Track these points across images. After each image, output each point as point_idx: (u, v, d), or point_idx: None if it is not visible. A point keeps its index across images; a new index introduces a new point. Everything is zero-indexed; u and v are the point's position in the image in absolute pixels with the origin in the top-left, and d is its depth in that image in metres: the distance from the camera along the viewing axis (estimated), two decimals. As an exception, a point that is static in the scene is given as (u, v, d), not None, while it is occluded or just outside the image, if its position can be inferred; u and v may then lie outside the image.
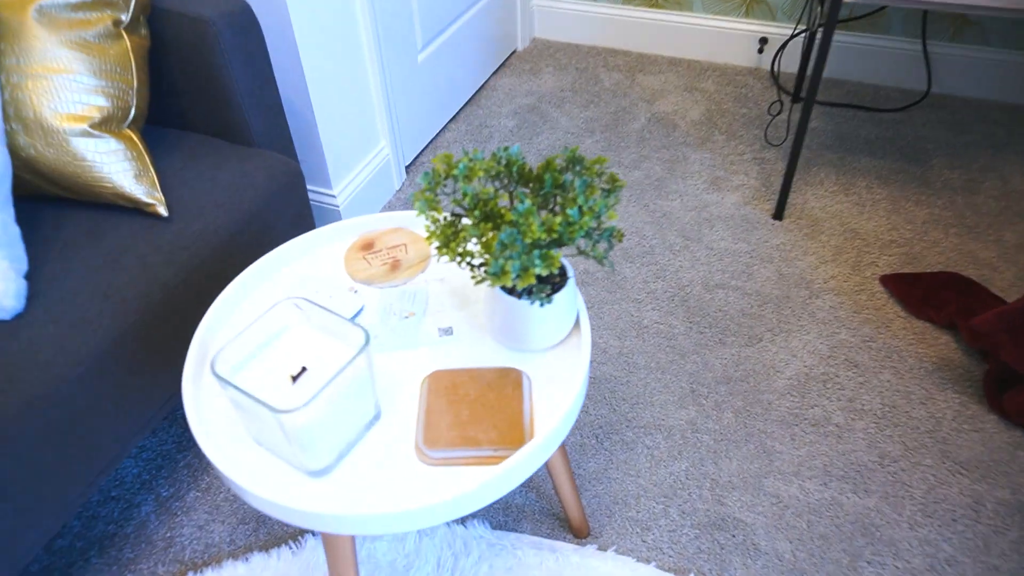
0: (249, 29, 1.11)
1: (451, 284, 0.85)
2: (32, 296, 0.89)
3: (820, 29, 1.98)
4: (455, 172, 0.66)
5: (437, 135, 1.94)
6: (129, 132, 1.01)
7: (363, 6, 1.46)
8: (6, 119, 0.92)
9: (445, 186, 0.65)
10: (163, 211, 1.01)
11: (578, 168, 0.69)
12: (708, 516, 1.09)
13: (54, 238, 0.97)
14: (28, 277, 0.91)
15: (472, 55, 2.02)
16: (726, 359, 1.31)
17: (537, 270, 0.61)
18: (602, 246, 0.67)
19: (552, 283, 0.73)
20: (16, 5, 0.91)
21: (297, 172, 1.19)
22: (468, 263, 0.65)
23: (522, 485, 1.14)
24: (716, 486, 1.12)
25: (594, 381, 1.28)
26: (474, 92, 2.10)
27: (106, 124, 0.97)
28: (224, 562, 1.04)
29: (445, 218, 0.66)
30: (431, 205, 0.65)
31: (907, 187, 1.68)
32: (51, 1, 0.93)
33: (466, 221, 0.67)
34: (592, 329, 1.38)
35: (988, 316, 1.16)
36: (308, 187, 1.53)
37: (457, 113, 2.03)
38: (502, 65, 2.24)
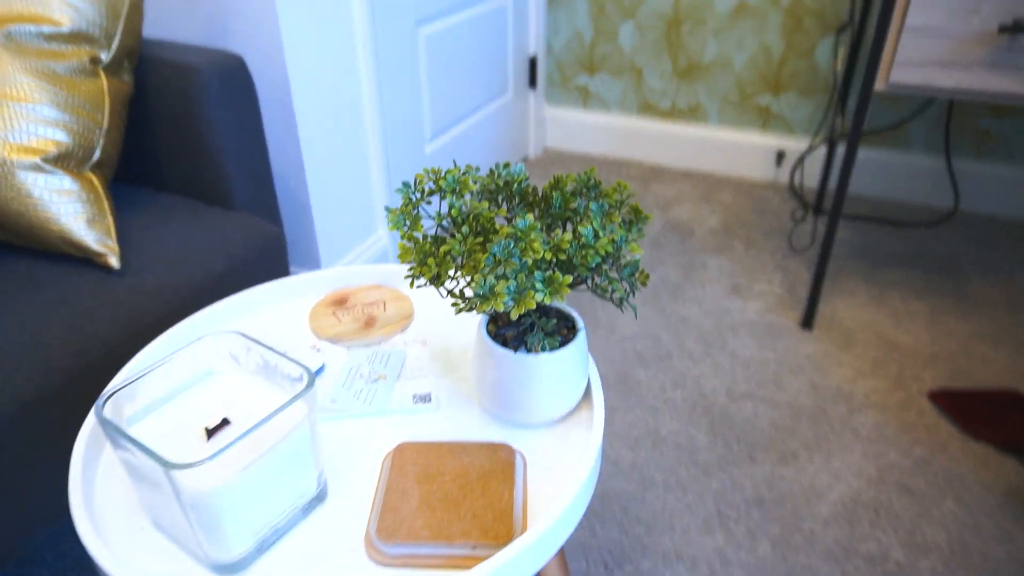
0: (240, 82, 1.04)
1: (435, 347, 0.70)
2: (-66, 344, 0.74)
3: (840, 142, 1.93)
4: (442, 183, 0.53)
5: (441, 231, 1.85)
6: (90, 175, 0.91)
7: (370, 83, 1.40)
8: (-52, 146, 0.81)
9: (429, 203, 0.52)
10: (114, 262, 0.88)
11: (594, 193, 0.56)
12: (745, 673, 0.86)
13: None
14: (-66, 321, 0.77)
15: (481, 154, 1.97)
16: (757, 478, 1.12)
17: (539, 296, 0.46)
18: (623, 281, 0.53)
19: (559, 335, 0.58)
20: (-18, 28, 0.84)
21: (278, 239, 1.07)
22: (449, 291, 0.51)
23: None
24: (753, 633, 0.90)
25: (603, 497, 1.09)
26: (482, 193, 2.03)
27: (63, 161, 0.87)
28: None
29: (425, 236, 0.52)
30: (408, 219, 0.51)
31: (944, 301, 1.54)
32: (23, 28, 0.85)
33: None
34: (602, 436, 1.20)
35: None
36: (294, 268, 1.41)
37: (463, 212, 1.95)
38: (512, 170, 2.19)
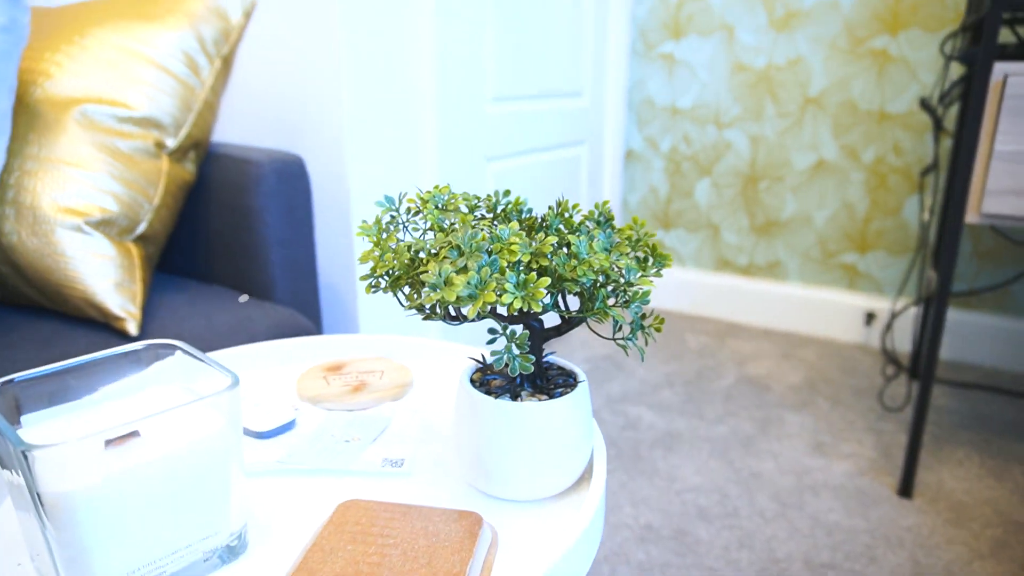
0: (295, 179, 1.06)
1: (427, 417, 0.60)
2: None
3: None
4: (429, 198, 0.47)
5: (498, 369, 1.78)
6: (130, 245, 0.91)
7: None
8: (3, 202, 0.84)
9: (414, 224, 0.46)
10: (132, 328, 0.85)
11: (607, 225, 0.49)
12: None
13: (-2, 338, 0.83)
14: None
15: (548, 297, 1.93)
16: (844, 668, 0.89)
17: (509, 295, 0.37)
18: (629, 317, 0.43)
19: (548, 388, 0.48)
20: (60, 104, 0.90)
21: (310, 332, 1.03)
22: (406, 295, 0.42)
23: None
24: None
25: (643, 668, 0.89)
26: (546, 336, 1.97)
27: (106, 227, 0.88)
28: None
29: (392, 239, 0.45)
30: (380, 228, 0.45)
31: (1082, 481, 1.29)
32: (99, 109, 0.91)
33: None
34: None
35: None
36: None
37: (524, 352, 1.88)
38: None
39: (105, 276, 0.86)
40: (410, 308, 0.42)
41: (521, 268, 0.39)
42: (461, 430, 0.48)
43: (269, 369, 0.70)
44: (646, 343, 0.46)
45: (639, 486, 1.27)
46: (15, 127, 0.89)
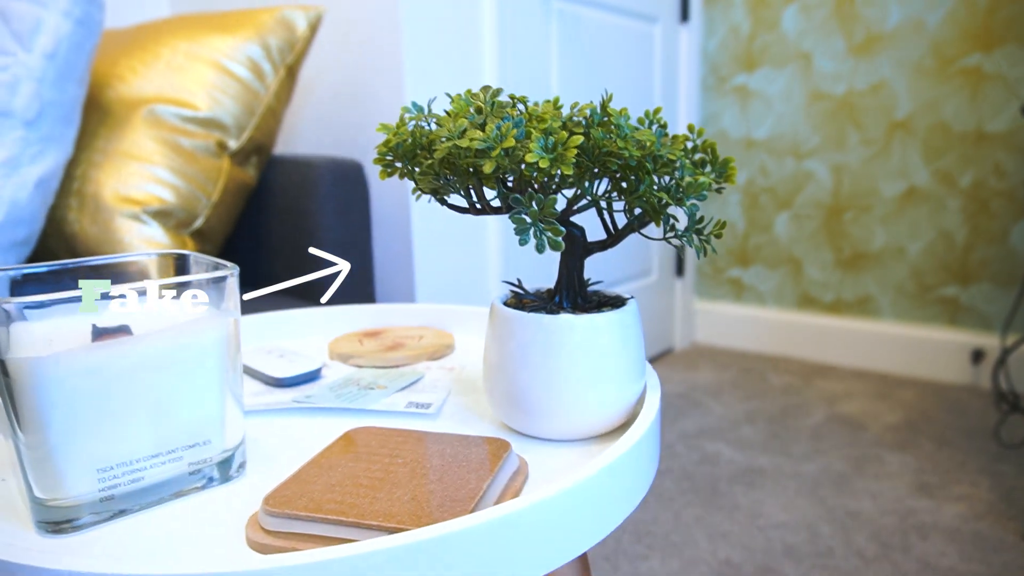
0: (354, 183, 1.05)
1: (463, 375, 0.54)
2: None
3: (1056, 336, 1.58)
4: (467, 106, 0.42)
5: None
6: (186, 238, 0.92)
7: (496, 234, 1.39)
8: (68, 193, 0.86)
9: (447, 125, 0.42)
10: (180, 315, 0.84)
11: (659, 127, 0.43)
12: None
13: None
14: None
15: (618, 332, 1.85)
16: None
17: (535, 154, 0.32)
18: (686, 209, 0.37)
19: (591, 309, 0.41)
20: (130, 103, 0.93)
21: (362, 334, 1.00)
22: (418, 172, 0.37)
23: None
24: None
25: None
26: (617, 374, 1.87)
27: (163, 218, 0.88)
28: None
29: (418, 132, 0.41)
30: (400, 129, 0.41)
31: None
32: (166, 109, 0.94)
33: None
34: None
35: None
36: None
37: (593, 389, 1.79)
38: (654, 360, 2.03)
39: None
40: (422, 188, 0.37)
41: (550, 131, 0.34)
42: (490, 358, 0.42)
43: (306, 335, 0.67)
44: (704, 253, 0.40)
45: (717, 521, 1.15)
46: (86, 124, 0.92)
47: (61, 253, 0.88)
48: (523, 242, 0.33)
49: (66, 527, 0.33)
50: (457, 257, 1.32)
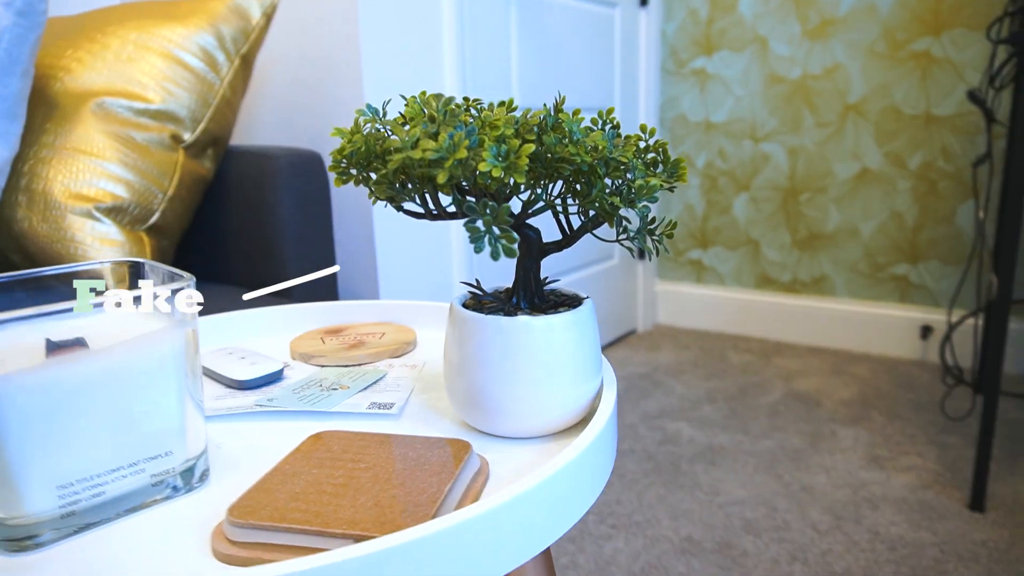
0: (312, 174, 1.04)
1: (425, 372, 0.55)
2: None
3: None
4: (414, 108, 0.43)
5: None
6: (142, 234, 0.90)
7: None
8: (15, 190, 0.84)
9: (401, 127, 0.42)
10: (138, 314, 0.83)
11: (609, 131, 0.44)
12: None
13: (4, 322, 0.81)
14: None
15: (582, 316, 1.87)
16: None
17: (487, 163, 0.33)
18: (637, 208, 0.38)
19: (548, 310, 0.42)
20: (78, 96, 0.90)
21: (325, 327, 0.99)
22: (372, 181, 0.38)
23: None
24: None
25: None
26: (581, 357, 1.90)
27: (116, 215, 0.87)
28: None
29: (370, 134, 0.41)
30: (357, 129, 0.41)
31: None
32: (116, 102, 0.91)
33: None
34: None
35: None
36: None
37: (558, 372, 1.81)
38: (617, 340, 2.06)
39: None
40: (378, 195, 0.38)
41: (503, 139, 0.35)
42: (450, 358, 0.43)
43: (267, 334, 0.66)
44: (656, 253, 0.41)
45: (679, 499, 1.18)
46: (32, 119, 0.89)
47: (10, 252, 0.85)
48: (478, 249, 0.34)
49: (28, 544, 0.33)
50: (420, 248, 1.32)
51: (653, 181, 0.39)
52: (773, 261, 2.01)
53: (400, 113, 0.41)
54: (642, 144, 0.46)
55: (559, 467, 0.35)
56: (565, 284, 1.78)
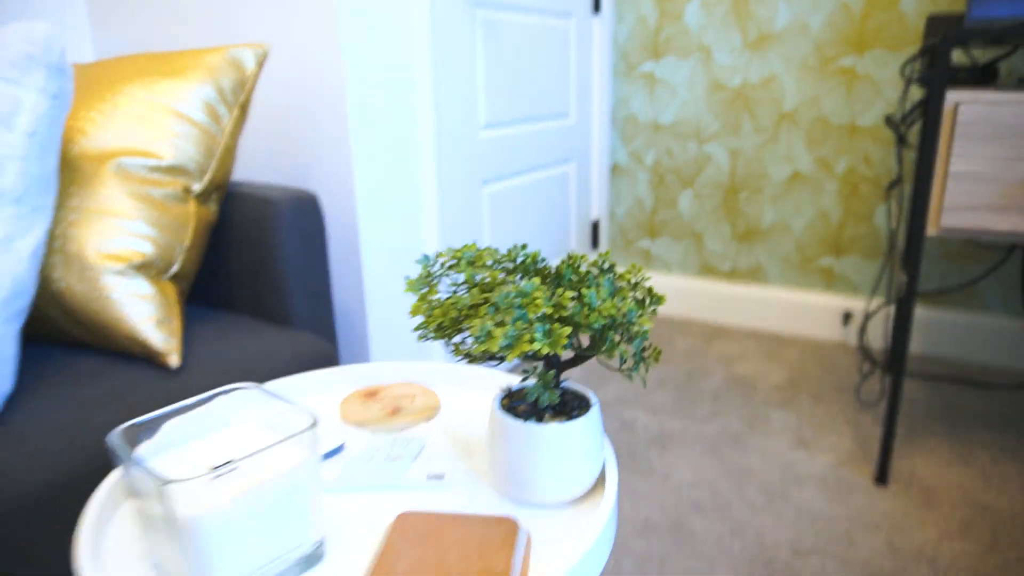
0: (310, 215, 1.15)
1: (456, 437, 0.69)
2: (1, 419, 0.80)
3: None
4: (460, 255, 0.56)
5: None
6: (167, 284, 1.00)
7: (432, 233, 1.51)
8: (50, 252, 0.93)
9: (448, 275, 0.55)
10: (174, 361, 0.94)
11: (610, 272, 0.58)
12: None
13: (53, 374, 0.91)
14: (8, 400, 0.83)
15: (543, 308, 2.03)
16: (828, 643, 0.99)
17: (537, 344, 0.47)
18: (631, 351, 0.53)
19: (568, 411, 0.57)
20: (97, 158, 0.98)
21: (329, 355, 1.12)
22: (454, 344, 0.52)
23: None
24: None
25: (648, 650, 0.98)
26: (542, 345, 2.06)
27: (145, 269, 0.96)
28: None
29: (438, 300, 0.54)
30: (424, 283, 0.54)
31: (1042, 464, 1.40)
32: (132, 161, 1.00)
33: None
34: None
35: None
36: (350, 400, 1.44)
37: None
38: (574, 327, 2.23)
39: (147, 315, 0.94)
40: (457, 355, 0.51)
41: (545, 318, 0.49)
42: (495, 448, 0.58)
43: (312, 395, 0.79)
44: (647, 371, 0.56)
45: (637, 483, 1.37)
46: (59, 183, 0.97)
47: (48, 308, 0.94)
48: (530, 397, 0.48)
49: (214, 617, 0.46)
50: (400, 275, 1.44)
51: (646, 325, 0.54)
52: (714, 252, 2.20)
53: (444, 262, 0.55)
54: (632, 280, 0.60)
55: (595, 538, 0.50)
56: (528, 281, 1.93)
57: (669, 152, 2.19)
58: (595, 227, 2.27)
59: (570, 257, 0.58)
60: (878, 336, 1.99)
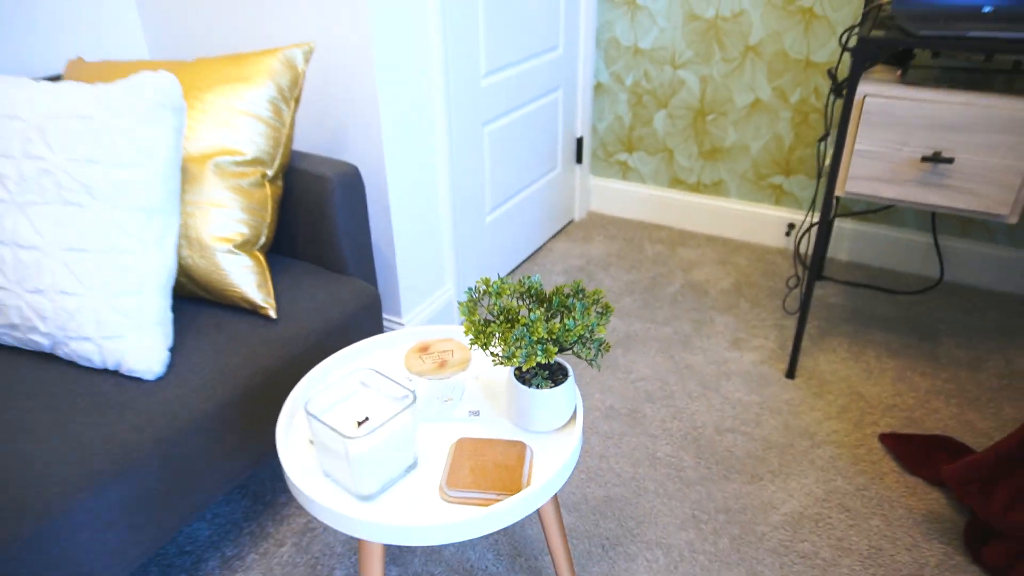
0: (355, 186, 1.47)
1: (484, 381, 1.08)
2: (170, 365, 1.18)
3: (834, 219, 2.25)
4: (490, 289, 0.92)
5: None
6: (258, 254, 1.34)
7: (444, 174, 1.83)
8: (181, 235, 1.26)
9: (483, 300, 0.91)
10: (273, 314, 1.31)
11: (580, 296, 0.95)
12: (696, 625, 1.20)
13: (191, 326, 1.28)
14: (171, 350, 1.20)
15: (533, 221, 2.37)
16: (728, 493, 1.46)
17: (539, 358, 0.84)
18: (592, 350, 0.91)
19: (555, 379, 0.96)
20: (199, 159, 1.29)
21: (376, 298, 1.49)
22: (492, 352, 0.90)
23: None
24: (706, 600, 1.24)
25: (606, 500, 1.45)
26: (532, 252, 2.43)
27: (244, 246, 1.30)
28: (270, 612, 1.21)
29: (480, 320, 0.91)
30: (471, 311, 0.91)
31: (915, 360, 1.84)
32: (224, 159, 1.30)
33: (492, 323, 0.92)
34: (609, 457, 1.56)
35: (958, 465, 1.29)
36: (384, 315, 1.83)
37: (515, 268, 2.35)
38: (560, 231, 2.59)
39: (250, 280, 1.30)
40: (493, 359, 0.89)
41: (542, 340, 0.86)
42: (510, 400, 0.97)
43: (383, 350, 1.17)
44: (600, 358, 0.93)
45: (605, 378, 1.80)
46: (173, 179, 1.28)
47: (180, 277, 1.29)
48: (537, 383, 0.87)
49: (368, 499, 0.87)
50: (423, 231, 1.77)
51: (602, 333, 0.91)
52: (683, 166, 2.52)
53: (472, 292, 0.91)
54: (597, 299, 0.96)
55: (568, 454, 0.91)
56: (524, 196, 2.26)
57: (647, 75, 2.44)
58: (579, 143, 2.56)
59: (557, 289, 0.94)
60: (808, 246, 2.37)
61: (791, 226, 2.37)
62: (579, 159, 2.58)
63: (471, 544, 1.36)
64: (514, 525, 1.40)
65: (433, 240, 1.87)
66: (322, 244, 1.49)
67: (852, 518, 1.39)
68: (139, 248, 1.13)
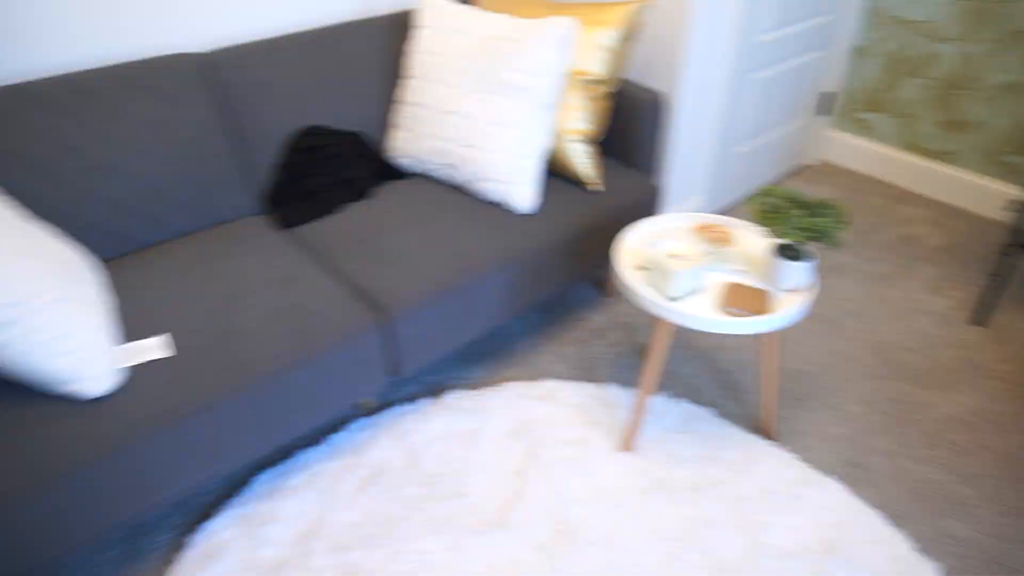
0: (661, 107, 2.00)
1: (746, 251, 1.61)
2: (541, 207, 1.82)
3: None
4: (773, 192, 1.43)
5: (734, 203, 2.73)
6: (594, 147, 1.94)
7: (714, 110, 2.31)
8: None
9: (766, 198, 1.42)
10: (601, 187, 1.91)
11: (831, 208, 1.43)
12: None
13: (547, 187, 1.91)
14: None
15: (772, 159, 2.79)
16: (899, 390, 1.90)
17: (800, 236, 1.36)
18: (834, 238, 1.40)
19: (801, 256, 1.46)
20: (568, 76, 1.88)
21: (660, 191, 2.05)
22: (772, 231, 1.42)
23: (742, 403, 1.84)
24: (865, 447, 1.73)
25: (800, 372, 1.94)
26: (767, 183, 2.86)
27: (584, 138, 1.91)
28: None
29: (768, 207, 1.43)
30: (761, 205, 1.43)
31: (1099, 335, 2.10)
32: (582, 77, 1.89)
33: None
34: (811, 345, 2.04)
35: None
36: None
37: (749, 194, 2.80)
38: (793, 173, 2.98)
39: (587, 164, 1.90)
40: (772, 235, 1.41)
41: (802, 229, 1.37)
42: (769, 266, 1.50)
43: (669, 227, 1.74)
44: (837, 240, 1.42)
45: (819, 295, 2.25)
46: (549, 86, 1.89)
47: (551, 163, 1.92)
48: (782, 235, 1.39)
49: (674, 300, 1.45)
50: (690, 151, 2.27)
51: (840, 231, 1.40)
52: (922, 132, 2.78)
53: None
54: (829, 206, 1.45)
55: (792, 311, 1.43)
56: (772, 136, 2.68)
57: (908, 44, 2.70)
58: (827, 97, 2.89)
59: (821, 200, 1.43)
60: (1034, 224, 2.58)
61: (1013, 201, 2.59)
62: (825, 111, 2.92)
63: (700, 372, 1.93)
64: (739, 372, 1.95)
65: (695, 159, 2.38)
66: (629, 148, 2.06)
67: (997, 430, 1.79)
68: (536, 128, 1.77)
